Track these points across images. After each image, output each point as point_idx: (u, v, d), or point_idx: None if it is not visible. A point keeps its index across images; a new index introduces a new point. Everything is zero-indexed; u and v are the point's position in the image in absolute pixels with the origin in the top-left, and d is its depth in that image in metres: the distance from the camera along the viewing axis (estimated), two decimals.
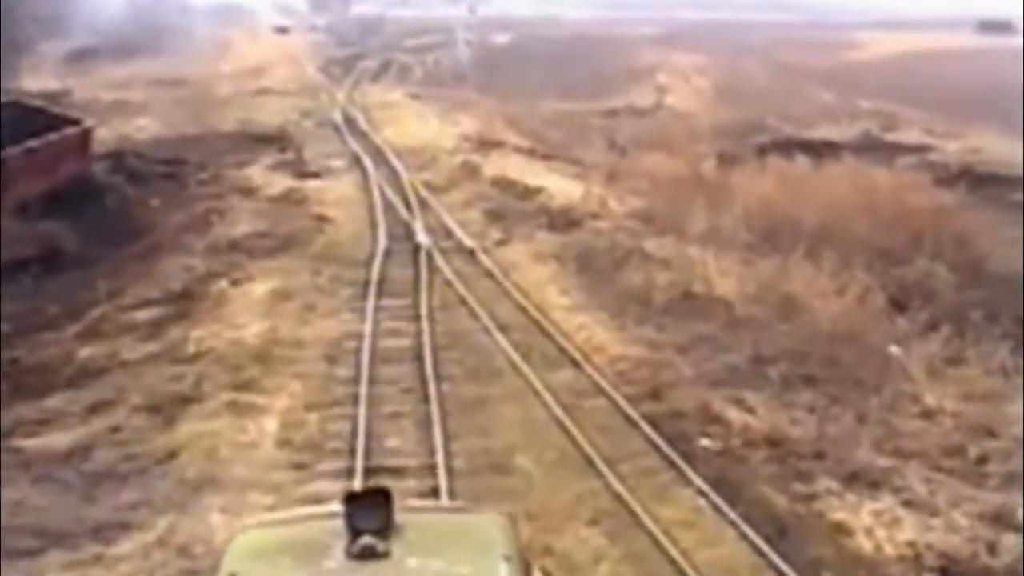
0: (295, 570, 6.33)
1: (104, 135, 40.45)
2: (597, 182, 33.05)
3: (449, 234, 26.91)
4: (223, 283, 23.27)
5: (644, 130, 45.36)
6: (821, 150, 41.28)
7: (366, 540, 6.25)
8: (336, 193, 31.09)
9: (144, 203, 30.30)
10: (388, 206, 29.52)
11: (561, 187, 31.95)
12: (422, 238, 26.13)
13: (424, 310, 21.53)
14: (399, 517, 6.46)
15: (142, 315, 21.90)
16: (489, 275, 23.85)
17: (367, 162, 34.63)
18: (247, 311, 21.61)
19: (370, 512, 6.35)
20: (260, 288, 22.84)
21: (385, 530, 6.35)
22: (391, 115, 44.16)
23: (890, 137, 47.84)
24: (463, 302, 22.07)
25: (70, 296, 23.52)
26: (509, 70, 58.88)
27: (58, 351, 20.51)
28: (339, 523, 6.37)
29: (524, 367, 18.72)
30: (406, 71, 59.78)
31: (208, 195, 30.79)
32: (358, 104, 46.76)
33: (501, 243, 26.22)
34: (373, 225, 27.72)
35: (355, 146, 37.49)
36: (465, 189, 31.42)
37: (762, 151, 42.19)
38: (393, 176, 33.07)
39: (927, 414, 17.66)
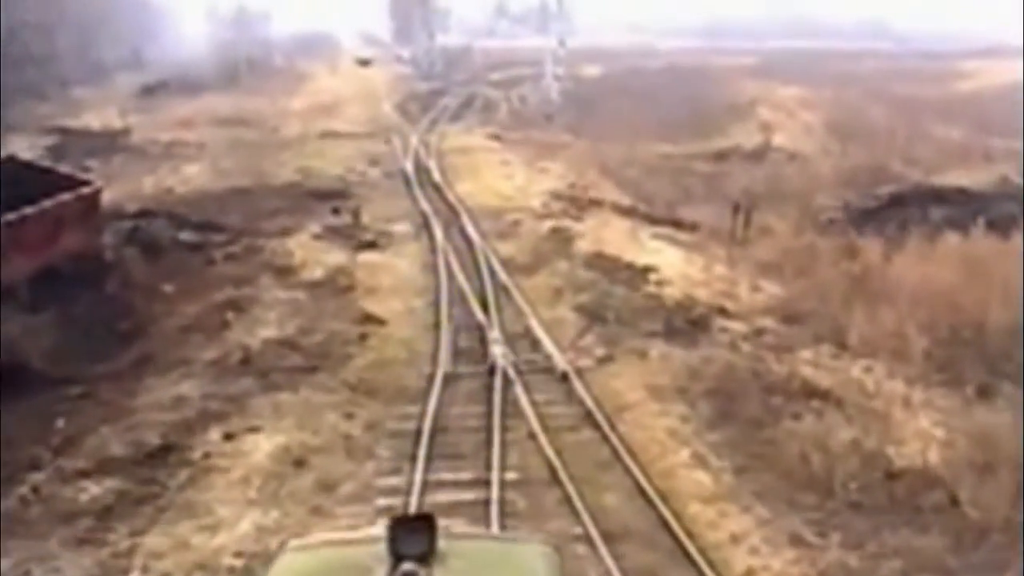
0: None
1: (145, 188, 33.46)
2: (717, 256, 24.99)
3: (534, 344, 18.97)
4: (215, 434, 15.46)
5: (757, 179, 37.07)
6: (959, 201, 33.29)
7: (407, 567, 5.66)
8: (393, 275, 23.22)
9: (154, 288, 22.58)
10: (456, 295, 21.66)
11: (674, 265, 23.86)
12: (498, 353, 18.16)
13: (495, 494, 13.61)
14: (443, 543, 5.83)
15: (90, 492, 14.14)
16: (589, 420, 15.87)
17: (436, 228, 26.74)
18: (235, 493, 13.78)
19: (413, 537, 5.76)
20: (264, 446, 15.01)
21: (427, 556, 5.74)
22: (470, 163, 36.16)
23: None
24: (553, 477, 14.12)
25: (11, 446, 15.82)
26: (601, 106, 50.69)
27: None
28: (382, 548, 5.73)
29: None
30: (490, 108, 51.67)
31: (235, 277, 23.02)
32: (433, 149, 38.77)
33: (604, 361, 18.18)
34: (435, 327, 19.85)
35: (425, 204, 29.61)
36: (555, 269, 23.40)
37: (895, 203, 34.03)
38: (467, 247, 25.21)
39: None
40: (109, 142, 43.39)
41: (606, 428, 15.49)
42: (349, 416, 16.02)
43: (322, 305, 21.06)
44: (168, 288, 22.56)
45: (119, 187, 32.79)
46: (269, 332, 19.40)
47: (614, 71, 64.71)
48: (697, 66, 68.85)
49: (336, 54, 73.64)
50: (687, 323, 20.06)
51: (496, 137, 42.48)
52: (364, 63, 68.90)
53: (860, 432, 15.24)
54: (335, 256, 24.47)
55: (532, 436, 15.34)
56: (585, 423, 15.80)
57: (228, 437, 15.28)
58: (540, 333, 19.34)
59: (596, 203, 30.24)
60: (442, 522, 5.87)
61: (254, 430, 15.49)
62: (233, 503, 13.49)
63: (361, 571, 5.79)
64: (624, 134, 44.19)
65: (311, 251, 24.84)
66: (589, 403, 16.33)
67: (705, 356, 18.16)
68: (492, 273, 23.04)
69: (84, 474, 14.62)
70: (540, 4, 62.57)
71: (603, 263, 23.73)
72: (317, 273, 23.12)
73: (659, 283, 22.45)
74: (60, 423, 16.51)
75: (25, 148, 39.22)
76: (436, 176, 33.67)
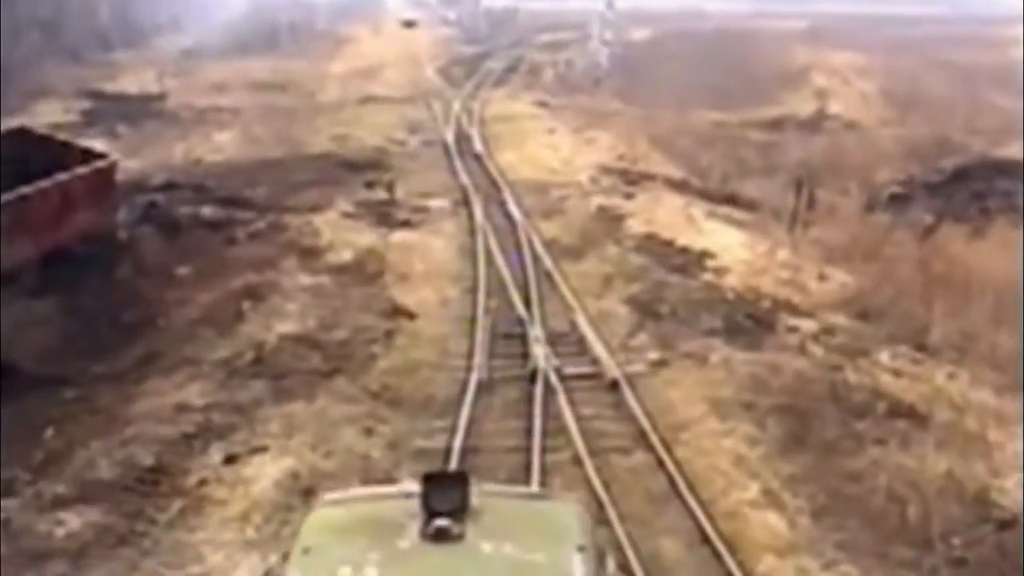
0: (369, 549, 5.77)
1: (174, 157, 31.31)
2: (779, 239, 22.55)
3: (581, 344, 16.69)
4: (215, 455, 13.30)
5: (815, 150, 34.51)
6: None
7: (441, 522, 5.70)
8: (427, 258, 20.97)
9: (168, 272, 20.40)
10: (495, 283, 19.40)
11: (733, 250, 21.49)
12: (540, 355, 15.90)
13: None
14: (475, 500, 5.89)
15: (68, 526, 12.03)
16: (642, 440, 13.61)
17: (476, 204, 24.45)
18: (231, 533, 11.62)
19: (446, 494, 5.79)
20: (269, 471, 12.83)
21: (460, 513, 5.79)
22: (514, 131, 33.72)
23: None
24: (601, 514, 11.83)
25: None
26: (650, 71, 47.99)
27: None
28: (415, 503, 5.80)
29: None
30: (536, 73, 48.98)
31: (256, 259, 20.81)
32: (476, 116, 36.32)
33: (658, 366, 15.86)
34: (471, 322, 17.58)
35: (464, 177, 27.28)
36: (604, 254, 21.09)
37: (960, 178, 31.37)
38: (509, 227, 22.94)
39: None
40: (143, 107, 41.34)
41: (661, 452, 13.22)
42: (369, 432, 13.82)
43: (348, 293, 18.85)
44: (183, 271, 20.40)
45: (148, 156, 30.83)
46: (287, 326, 17.20)
47: (663, 34, 61.79)
48: (746, 30, 65.78)
49: (380, 16, 71.02)
50: (750, 320, 17.73)
51: (542, 103, 39.97)
52: (409, 24, 66.25)
53: (955, 461, 12.89)
54: (366, 236, 22.24)
55: (577, 460, 13.10)
56: (638, 444, 13.54)
57: (229, 460, 13.11)
58: (587, 331, 17.06)
59: (647, 177, 27.83)
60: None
61: (260, 450, 13.30)
62: (228, 546, 11.34)
63: (395, 526, 5.76)
64: (674, 101, 41.65)
65: (340, 230, 22.62)
66: (642, 419, 14.06)
67: (772, 362, 15.81)
68: (535, 257, 20.78)
69: (64, 502, 12.50)
70: None
71: (656, 247, 21.43)
72: (345, 256, 20.90)
73: (717, 271, 20.11)
74: (48, 434, 14.41)
75: (59, 112, 37.42)
76: (478, 146, 31.31)
